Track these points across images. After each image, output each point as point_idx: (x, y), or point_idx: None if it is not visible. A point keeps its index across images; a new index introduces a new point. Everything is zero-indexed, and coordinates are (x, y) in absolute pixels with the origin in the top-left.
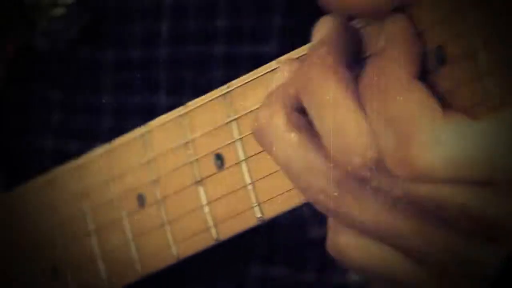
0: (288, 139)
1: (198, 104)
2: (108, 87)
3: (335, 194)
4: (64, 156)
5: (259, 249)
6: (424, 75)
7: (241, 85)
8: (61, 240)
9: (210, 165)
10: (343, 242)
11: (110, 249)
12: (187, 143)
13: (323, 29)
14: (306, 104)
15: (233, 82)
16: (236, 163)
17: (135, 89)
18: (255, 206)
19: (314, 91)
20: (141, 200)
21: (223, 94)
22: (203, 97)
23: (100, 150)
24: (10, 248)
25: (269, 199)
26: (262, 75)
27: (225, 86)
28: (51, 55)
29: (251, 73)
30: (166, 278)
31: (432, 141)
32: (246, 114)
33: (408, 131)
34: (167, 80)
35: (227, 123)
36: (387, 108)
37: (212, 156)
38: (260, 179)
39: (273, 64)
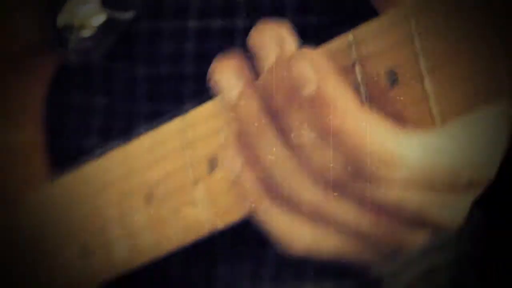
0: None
1: (199, 113)
2: (142, 97)
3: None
4: None
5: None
6: (378, 96)
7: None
8: (92, 224)
9: (204, 167)
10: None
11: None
12: (187, 146)
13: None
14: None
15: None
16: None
17: (164, 100)
18: (244, 201)
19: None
20: (150, 197)
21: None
22: (204, 105)
23: (117, 150)
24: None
25: None
26: None
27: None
28: (87, 69)
29: None
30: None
31: (401, 153)
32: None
33: (382, 148)
34: (193, 92)
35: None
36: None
37: (206, 160)
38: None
39: None
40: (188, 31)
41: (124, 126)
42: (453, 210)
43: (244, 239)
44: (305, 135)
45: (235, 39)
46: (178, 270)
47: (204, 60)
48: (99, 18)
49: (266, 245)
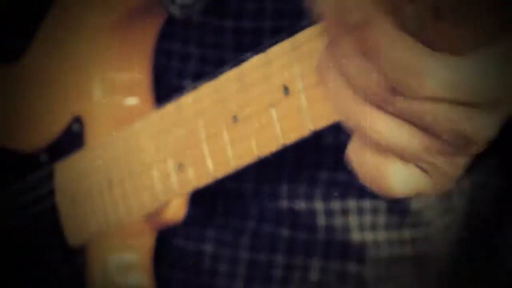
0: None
1: (275, 50)
2: (229, 46)
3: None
4: None
5: (327, 159)
6: (421, 29)
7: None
8: (186, 144)
9: (280, 92)
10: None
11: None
12: (265, 77)
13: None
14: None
15: (298, 34)
16: (296, 92)
17: (248, 49)
18: (308, 120)
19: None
20: (235, 119)
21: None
22: (277, 46)
23: (206, 85)
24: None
25: (317, 116)
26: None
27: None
28: (187, 22)
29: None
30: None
31: (431, 72)
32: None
33: (414, 67)
34: (272, 43)
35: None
36: (399, 55)
37: (282, 86)
38: (314, 103)
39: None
40: None
41: (213, 71)
42: (484, 126)
43: (301, 164)
44: (354, 61)
45: None
46: (251, 186)
47: (281, 17)
48: None
49: (319, 169)
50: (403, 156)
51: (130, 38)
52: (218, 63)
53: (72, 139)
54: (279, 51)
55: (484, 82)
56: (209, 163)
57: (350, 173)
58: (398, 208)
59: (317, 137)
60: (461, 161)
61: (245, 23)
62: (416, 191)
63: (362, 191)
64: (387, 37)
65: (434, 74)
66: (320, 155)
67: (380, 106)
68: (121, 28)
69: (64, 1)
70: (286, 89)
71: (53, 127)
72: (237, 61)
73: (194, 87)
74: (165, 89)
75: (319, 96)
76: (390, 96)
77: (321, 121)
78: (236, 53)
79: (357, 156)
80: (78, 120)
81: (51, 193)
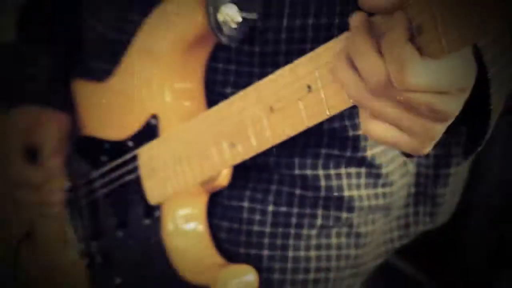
0: (345, 75)
1: (301, 62)
2: (256, 64)
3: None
4: None
5: (325, 140)
6: (412, 39)
7: (323, 50)
8: (235, 129)
9: (305, 90)
10: (371, 126)
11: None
12: (294, 80)
13: (356, 19)
14: (352, 55)
15: (317, 49)
16: (317, 89)
17: (268, 66)
18: (326, 108)
19: (355, 49)
20: (271, 110)
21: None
22: (302, 58)
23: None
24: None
25: (332, 106)
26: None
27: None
28: (228, 47)
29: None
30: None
31: (415, 70)
32: (323, 65)
33: (403, 66)
34: (286, 61)
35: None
36: (394, 55)
37: (306, 86)
38: (330, 96)
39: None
40: (282, 28)
41: (246, 82)
42: (452, 106)
43: (308, 143)
44: (369, 59)
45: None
46: (273, 159)
47: (292, 43)
48: (239, 17)
49: (320, 147)
50: (396, 125)
51: (190, 58)
52: (249, 76)
53: (150, 131)
54: (303, 60)
55: (453, 77)
56: (253, 142)
57: (340, 149)
58: (373, 173)
59: (318, 125)
60: (439, 128)
61: (267, 48)
62: (396, 144)
63: (349, 162)
64: (398, 42)
65: (420, 74)
66: (320, 137)
67: (380, 94)
68: (184, 51)
69: (143, 33)
70: (309, 88)
71: (136, 122)
72: (261, 74)
73: (235, 92)
74: (213, 95)
75: (333, 91)
76: (388, 87)
77: (335, 109)
78: (261, 69)
79: (370, 129)
80: (154, 117)
81: (136, 168)
